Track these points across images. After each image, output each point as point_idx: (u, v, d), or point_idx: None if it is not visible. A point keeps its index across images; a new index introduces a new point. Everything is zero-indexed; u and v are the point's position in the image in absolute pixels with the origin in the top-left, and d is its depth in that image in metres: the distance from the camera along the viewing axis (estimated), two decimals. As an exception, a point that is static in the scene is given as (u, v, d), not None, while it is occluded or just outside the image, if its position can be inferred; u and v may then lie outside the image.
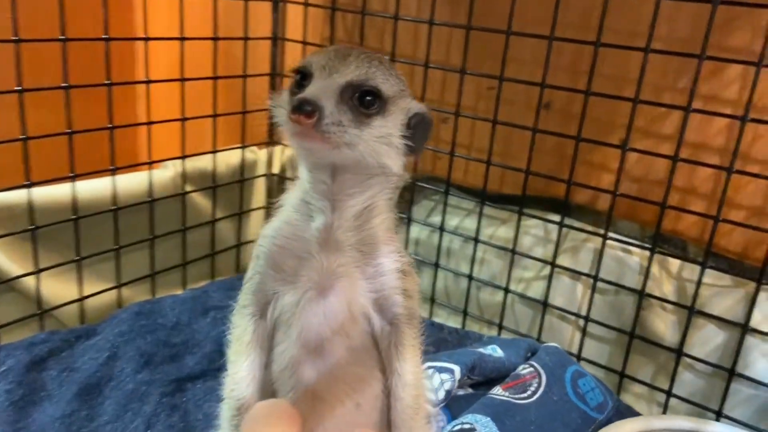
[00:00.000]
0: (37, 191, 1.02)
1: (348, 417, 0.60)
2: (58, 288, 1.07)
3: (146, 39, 1.07)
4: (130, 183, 1.15)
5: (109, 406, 0.82)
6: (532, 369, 0.91)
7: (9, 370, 0.85)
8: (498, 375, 0.93)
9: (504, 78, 1.03)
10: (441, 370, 0.88)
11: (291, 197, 0.63)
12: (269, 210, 1.40)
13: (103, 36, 1.00)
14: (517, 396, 0.87)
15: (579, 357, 1.05)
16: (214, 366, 0.93)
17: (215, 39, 1.17)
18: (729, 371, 0.91)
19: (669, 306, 0.98)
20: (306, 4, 1.24)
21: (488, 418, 0.81)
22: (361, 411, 0.60)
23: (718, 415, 0.93)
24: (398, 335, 0.61)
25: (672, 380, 0.97)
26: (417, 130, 0.60)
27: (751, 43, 0.93)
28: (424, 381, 0.63)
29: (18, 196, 1.00)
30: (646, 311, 1.00)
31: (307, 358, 0.60)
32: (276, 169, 1.40)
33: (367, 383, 0.62)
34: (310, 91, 0.54)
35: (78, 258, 1.07)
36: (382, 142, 0.57)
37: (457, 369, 0.89)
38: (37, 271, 1.02)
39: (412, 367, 0.61)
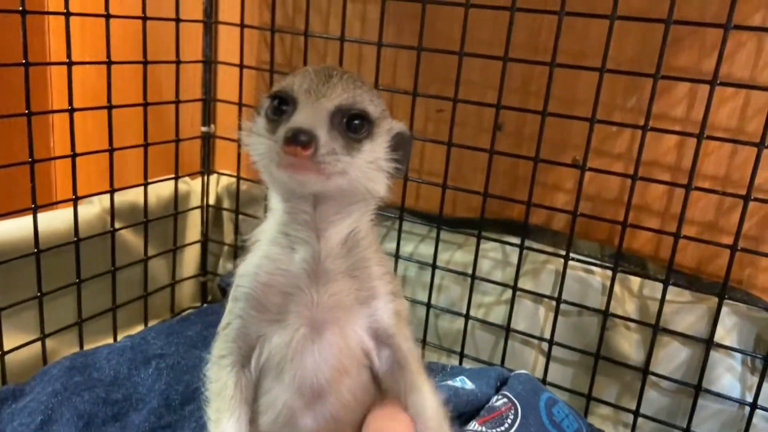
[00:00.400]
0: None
1: None
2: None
3: (69, 63, 0.97)
4: (52, 222, 1.04)
5: (46, 482, 0.71)
6: (506, 400, 0.88)
7: None
8: (472, 409, 0.89)
9: (458, 100, 1.01)
10: (416, 409, 0.83)
11: (267, 230, 0.58)
12: (206, 244, 1.32)
13: (23, 61, 0.90)
14: (494, 430, 0.83)
15: (544, 381, 1.03)
16: (163, 423, 0.84)
17: (145, 63, 1.08)
18: (695, 387, 0.92)
19: (632, 325, 0.98)
20: (242, 26, 1.17)
21: (469, 458, 0.77)
22: None
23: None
24: (405, 373, 0.57)
25: (639, 400, 0.96)
26: (400, 149, 0.56)
27: (698, 62, 0.95)
28: (443, 410, 0.58)
29: None
30: (610, 331, 0.99)
31: (303, 404, 0.55)
32: (212, 200, 1.31)
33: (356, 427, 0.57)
34: (300, 119, 0.49)
35: (-3, 309, 0.95)
36: (372, 167, 0.53)
37: (432, 406, 0.84)
38: (-52, 327, 0.89)
39: (431, 403, 0.57)
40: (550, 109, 0.96)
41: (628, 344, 0.98)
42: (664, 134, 0.97)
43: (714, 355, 0.92)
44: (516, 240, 1.03)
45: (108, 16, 1.01)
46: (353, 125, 0.52)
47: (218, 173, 1.31)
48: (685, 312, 0.95)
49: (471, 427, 0.84)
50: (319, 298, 0.55)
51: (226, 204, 1.31)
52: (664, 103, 0.99)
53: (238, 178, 1.25)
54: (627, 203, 0.93)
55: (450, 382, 0.92)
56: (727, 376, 0.92)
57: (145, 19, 1.06)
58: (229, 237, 1.32)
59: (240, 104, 1.21)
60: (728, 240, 0.88)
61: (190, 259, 1.32)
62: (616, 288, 0.99)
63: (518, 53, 0.97)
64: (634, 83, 0.99)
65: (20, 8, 0.89)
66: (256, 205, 1.26)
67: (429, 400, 0.57)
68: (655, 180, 0.95)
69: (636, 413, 0.96)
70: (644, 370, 0.95)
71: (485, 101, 1.01)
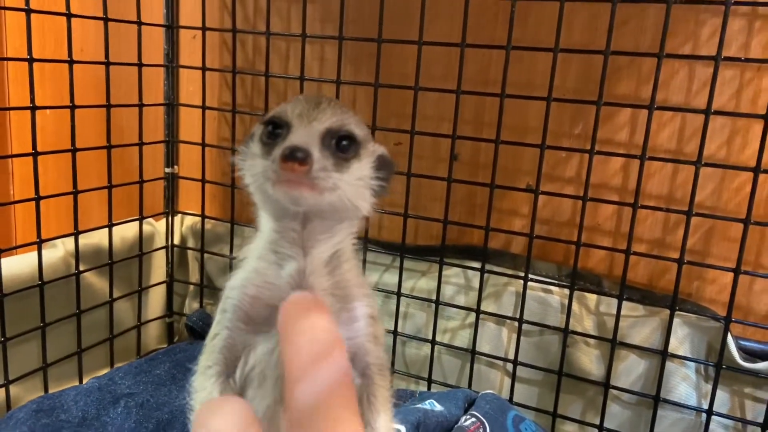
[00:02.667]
0: None
1: None
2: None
3: (33, 108, 0.98)
4: (16, 266, 1.04)
5: None
6: (474, 419, 0.90)
7: None
8: (442, 430, 0.91)
9: (415, 132, 1.05)
10: (387, 431, 0.85)
11: (255, 248, 0.60)
12: (171, 284, 1.32)
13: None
14: (464, 449, 0.85)
15: (511, 401, 1.05)
16: (135, 461, 0.84)
17: (108, 106, 1.10)
18: (654, 398, 0.95)
19: (592, 341, 1.02)
20: (204, 69, 1.20)
21: (440, 477, 0.79)
22: None
23: (650, 442, 0.96)
24: (371, 386, 0.59)
25: (602, 414, 0.99)
26: (382, 171, 0.59)
27: (636, 89, 1.02)
28: None
29: None
30: (571, 348, 1.02)
31: (283, 409, 0.55)
32: (176, 240, 1.32)
33: None
34: (296, 139, 0.52)
35: (3, 339, 0.94)
36: (360, 184, 0.56)
37: (403, 429, 0.86)
38: None
39: (384, 422, 0.58)
40: (503, 137, 1.01)
41: (589, 360, 1.02)
42: (610, 157, 1.03)
43: (669, 365, 0.96)
44: (477, 264, 1.07)
45: (71, 62, 1.03)
46: (342, 146, 0.54)
47: (182, 213, 1.33)
48: (640, 325, 0.99)
49: (442, 448, 0.85)
50: None
51: (190, 243, 1.32)
52: (608, 129, 1.05)
53: (203, 216, 1.26)
54: (579, 224, 0.98)
55: (419, 405, 0.94)
56: (683, 385, 0.96)
57: (108, 64, 1.09)
58: (194, 276, 1.32)
59: (203, 144, 1.23)
60: (675, 255, 0.93)
61: (155, 300, 1.31)
62: (574, 306, 1.03)
63: (470, 86, 1.02)
64: (580, 111, 1.06)
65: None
66: (221, 243, 1.28)
67: (380, 420, 0.58)
68: (604, 200, 1.00)
69: (600, 428, 0.99)
70: (605, 384, 0.99)
71: (441, 132, 1.06)
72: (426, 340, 1.10)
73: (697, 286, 1.03)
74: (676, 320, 0.95)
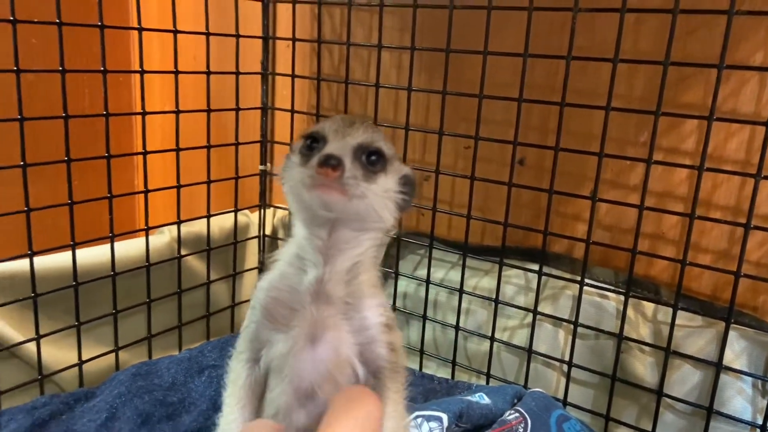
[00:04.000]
0: (39, 260, 1.07)
1: None
2: (57, 353, 1.11)
3: (144, 113, 1.14)
4: (128, 249, 1.20)
5: (108, 466, 0.85)
6: (517, 414, 0.94)
7: (11, 434, 0.88)
8: (486, 422, 0.96)
9: (479, 137, 1.10)
10: (429, 418, 0.91)
11: (286, 252, 0.68)
12: (262, 270, 1.45)
13: (104, 112, 1.07)
14: (503, 441, 0.90)
15: (565, 402, 1.08)
16: (210, 422, 0.96)
17: (208, 111, 1.24)
18: (707, 409, 0.95)
19: (647, 348, 1.03)
20: (293, 76, 1.32)
21: (475, 465, 0.84)
22: None
23: (701, 453, 0.96)
24: (381, 388, 0.65)
25: (654, 421, 1.00)
26: (406, 189, 0.66)
27: (703, 98, 1.01)
28: None
29: (20, 265, 1.05)
30: (625, 354, 1.04)
31: (298, 402, 0.63)
32: (268, 231, 1.45)
33: None
34: (331, 149, 0.60)
35: (77, 323, 1.11)
36: (385, 196, 0.63)
37: (445, 417, 0.92)
38: (38, 338, 1.05)
39: (391, 423, 0.64)
40: (568, 144, 1.03)
41: (643, 366, 1.03)
42: (676, 168, 1.03)
43: (725, 378, 0.95)
44: (536, 266, 1.11)
45: (177, 72, 1.18)
46: (371, 159, 0.62)
47: (274, 207, 1.45)
48: (696, 336, 0.98)
49: (482, 438, 0.91)
50: (318, 316, 0.63)
51: (280, 234, 1.45)
52: (674, 137, 1.04)
53: (290, 211, 1.38)
54: (635, 232, 0.99)
55: (468, 397, 1.00)
56: (738, 398, 0.94)
57: (208, 73, 1.23)
58: (283, 264, 1.45)
59: (291, 145, 1.35)
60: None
61: (248, 284, 1.46)
62: (631, 313, 1.04)
63: (538, 93, 1.06)
64: (645, 120, 1.05)
65: (102, 68, 1.07)
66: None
67: (389, 428, 0.63)
68: (660, 209, 1.01)
69: (652, 435, 1.00)
70: (658, 392, 0.99)
71: (508, 138, 1.10)
72: (485, 337, 1.15)
73: (763, 300, 1.00)
74: (733, 333, 0.94)
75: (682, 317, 0.99)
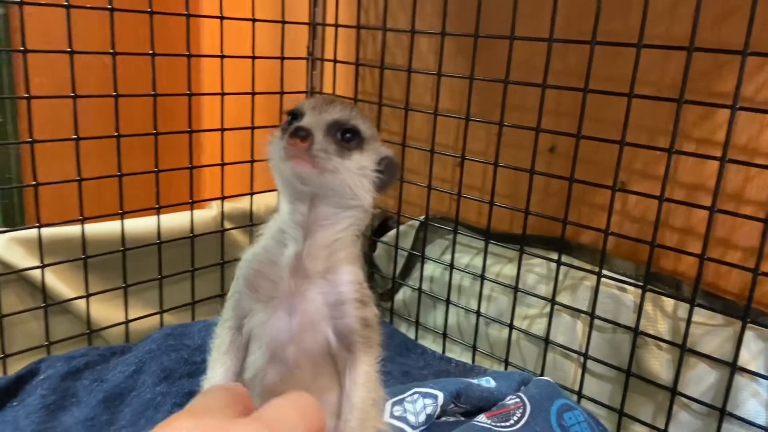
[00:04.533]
0: (94, 226, 1.17)
1: None
2: (106, 311, 1.22)
3: (189, 95, 1.22)
4: (176, 220, 1.30)
5: (127, 413, 0.93)
6: (518, 400, 0.95)
7: (47, 378, 0.98)
8: (486, 404, 0.97)
9: (503, 124, 1.10)
10: (425, 395, 0.94)
11: (270, 227, 0.71)
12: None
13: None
14: (498, 424, 0.90)
15: (580, 394, 1.07)
16: (228, 384, 1.03)
17: (252, 94, 1.31)
18: (720, 410, 0.91)
19: (664, 345, 0.99)
20: (335, 61, 1.36)
21: (463, 442, 0.86)
22: None
23: (712, 456, 0.92)
24: (354, 361, 0.67)
25: (668, 419, 0.97)
26: (386, 170, 0.68)
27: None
28: (373, 407, 0.67)
29: (79, 230, 1.16)
30: (641, 349, 1.01)
31: (273, 368, 0.67)
32: (311, 211, 1.51)
33: (326, 393, 0.68)
34: (303, 122, 0.63)
35: (124, 285, 1.21)
36: (359, 173, 0.65)
37: (440, 395, 0.94)
38: (87, 296, 1.16)
39: (362, 393, 0.66)
40: (599, 133, 1.01)
41: (659, 363, 1.00)
42: (707, 159, 0.98)
43: (740, 379, 0.91)
44: (557, 256, 1.09)
45: (222, 57, 1.25)
46: (346, 137, 0.64)
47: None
48: (713, 334, 0.94)
49: (477, 419, 0.92)
50: (296, 289, 0.66)
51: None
52: (707, 128, 1.00)
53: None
54: (655, 224, 0.96)
55: (472, 380, 1.01)
56: (753, 401, 0.90)
57: (253, 58, 1.30)
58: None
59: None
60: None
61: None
62: (649, 308, 1.01)
63: (571, 80, 1.03)
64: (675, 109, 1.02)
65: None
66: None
67: (359, 398, 0.66)
68: (678, 201, 0.97)
69: (665, 433, 0.97)
70: (672, 390, 0.96)
71: (540, 125, 1.09)
72: (505, 324, 1.15)
73: (792, 302, 0.95)
74: (751, 334, 0.90)
75: (703, 315, 0.95)
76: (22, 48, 1.03)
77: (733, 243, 0.99)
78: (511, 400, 0.95)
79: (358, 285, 0.68)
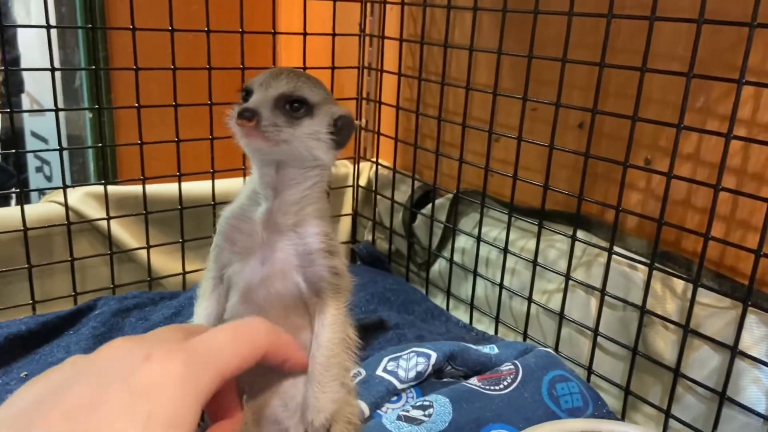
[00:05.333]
0: (160, 186, 1.32)
1: None
2: (165, 262, 1.37)
3: (242, 69, 1.33)
4: (230, 185, 1.42)
5: (160, 347, 1.06)
6: (512, 366, 0.97)
7: (101, 314, 1.13)
8: (482, 368, 1.00)
9: (526, 98, 1.11)
10: (419, 354, 0.98)
11: (246, 188, 0.79)
12: (356, 216, 1.59)
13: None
14: (488, 387, 0.94)
15: (589, 370, 1.07)
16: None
17: (304, 69, 1.40)
18: (719, 394, 0.89)
19: (671, 325, 0.97)
20: (382, 37, 1.42)
21: (447, 399, 0.90)
22: None
23: (711, 440, 0.91)
24: (322, 305, 0.74)
25: (670, 401, 0.95)
26: (343, 129, 0.74)
27: (762, 62, 0.91)
28: (339, 346, 0.74)
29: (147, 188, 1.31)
30: (648, 329, 1.00)
31: (249, 311, 0.75)
32: (363, 182, 1.58)
33: (300, 332, 0.75)
34: (249, 102, 0.71)
35: (182, 240, 1.35)
36: (312, 137, 0.72)
37: (434, 355, 0.98)
38: (148, 247, 1.31)
39: (328, 333, 0.73)
40: (624, 108, 1.00)
41: (664, 343, 0.98)
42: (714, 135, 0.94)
43: (741, 364, 0.88)
44: (580, 233, 1.09)
45: (274, 33, 1.35)
46: (294, 107, 0.71)
47: (371, 161, 1.58)
48: (717, 317, 0.92)
49: (468, 381, 0.96)
50: (268, 242, 0.73)
51: (374, 187, 1.57)
52: (731, 104, 0.95)
53: (377, 164, 1.50)
54: (662, 201, 0.94)
55: (479, 347, 1.04)
56: (753, 388, 0.87)
57: (305, 35, 1.38)
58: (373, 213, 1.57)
59: (378, 102, 1.45)
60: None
61: (344, 228, 1.61)
62: (659, 287, 0.99)
63: (593, 55, 1.03)
64: (702, 84, 0.98)
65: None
66: (391, 189, 1.49)
67: (326, 338, 0.72)
68: (686, 178, 0.94)
69: (667, 413, 0.96)
70: (674, 371, 0.94)
71: (570, 101, 1.09)
72: (524, 298, 1.17)
73: (805, 287, 0.90)
74: (754, 317, 0.87)
75: (711, 297, 0.93)
76: (131, 26, 1.19)
77: (753, 225, 0.95)
78: (505, 367, 0.98)
79: (325, 236, 0.74)
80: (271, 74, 0.73)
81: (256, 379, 0.72)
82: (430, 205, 1.39)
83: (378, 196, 1.52)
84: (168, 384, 0.43)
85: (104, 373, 0.44)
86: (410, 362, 0.98)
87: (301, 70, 0.77)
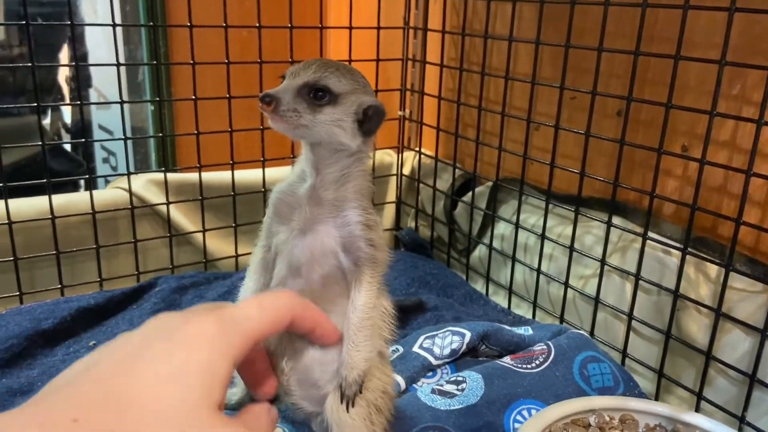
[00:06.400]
0: (215, 174, 1.41)
1: None
2: (219, 245, 1.45)
3: (292, 62, 1.39)
4: (280, 173, 1.49)
5: (213, 322, 1.14)
6: (544, 346, 1.01)
7: (160, 291, 1.22)
8: (515, 348, 1.04)
9: (563, 87, 1.14)
10: (454, 333, 1.03)
11: (295, 168, 0.85)
12: (399, 204, 1.65)
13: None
14: (520, 365, 0.98)
15: (624, 353, 1.09)
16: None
17: (350, 61, 1.45)
18: (749, 377, 0.90)
19: (703, 309, 0.99)
20: (425, 29, 1.46)
21: (479, 375, 0.94)
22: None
23: (741, 421, 0.92)
24: (359, 273, 0.80)
25: (702, 383, 0.97)
26: (372, 117, 0.79)
27: (800, 48, 0.92)
28: (373, 311, 0.79)
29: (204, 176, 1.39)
30: (681, 312, 1.01)
31: (291, 278, 0.81)
32: (406, 171, 1.63)
33: (334, 302, 0.81)
34: (274, 89, 0.77)
35: (234, 225, 1.43)
36: (333, 124, 0.77)
37: (468, 334, 1.03)
38: (203, 231, 1.40)
39: (364, 298, 0.79)
40: (661, 96, 1.02)
41: (697, 327, 1.00)
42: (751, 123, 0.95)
43: (772, 348, 0.89)
44: (617, 220, 1.12)
45: (321, 28, 1.41)
46: (318, 95, 0.76)
47: (414, 150, 1.62)
48: (749, 301, 0.93)
49: (502, 360, 1.00)
50: (311, 214, 0.79)
51: (417, 176, 1.61)
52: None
53: (419, 153, 1.55)
54: (696, 186, 0.96)
55: (511, 327, 1.08)
56: (783, 372, 0.88)
57: (350, 28, 1.44)
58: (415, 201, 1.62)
59: (422, 93, 1.50)
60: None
61: (388, 214, 1.66)
62: (692, 272, 1.01)
63: (643, 44, 1.04)
64: (738, 72, 0.99)
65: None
66: (433, 177, 1.54)
67: (360, 302, 0.78)
68: (716, 164, 0.95)
69: (699, 396, 0.98)
70: (706, 354, 0.96)
71: (608, 89, 1.11)
72: (561, 283, 1.20)
73: None
74: (785, 302, 0.88)
75: (743, 281, 0.94)
76: (189, 24, 1.27)
77: (790, 211, 0.96)
78: (538, 347, 1.01)
79: (363, 211, 0.80)
80: (305, 64, 0.79)
81: (298, 345, 0.78)
82: (470, 193, 1.43)
83: (421, 185, 1.57)
84: (203, 338, 0.50)
85: (149, 333, 0.51)
86: (445, 340, 1.02)
87: (344, 62, 0.82)
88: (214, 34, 1.30)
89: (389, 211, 1.66)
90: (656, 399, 1.05)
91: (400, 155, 1.62)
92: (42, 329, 1.08)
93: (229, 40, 1.31)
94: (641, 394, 0.99)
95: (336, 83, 0.77)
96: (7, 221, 1.17)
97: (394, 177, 1.64)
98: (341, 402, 0.77)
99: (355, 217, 0.80)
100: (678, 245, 1.01)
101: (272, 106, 0.74)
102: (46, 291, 1.25)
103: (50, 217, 1.21)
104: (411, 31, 1.55)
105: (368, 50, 1.49)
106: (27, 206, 1.24)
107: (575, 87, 1.15)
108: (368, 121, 0.79)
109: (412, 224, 1.64)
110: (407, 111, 1.60)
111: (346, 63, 0.82)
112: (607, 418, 0.85)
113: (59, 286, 1.25)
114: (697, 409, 0.99)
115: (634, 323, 1.09)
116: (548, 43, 1.16)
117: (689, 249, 0.98)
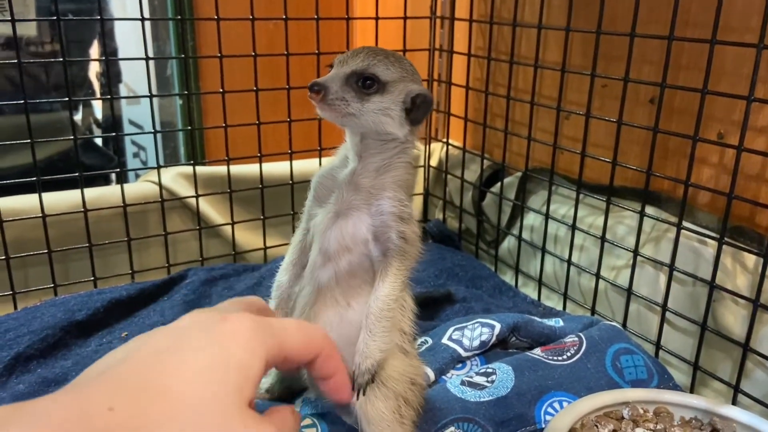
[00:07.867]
0: (242, 167, 1.41)
1: (341, 312, 0.81)
2: (248, 238, 1.46)
3: (318, 54, 1.39)
4: (309, 166, 1.49)
5: (243, 314, 1.15)
6: (575, 338, 0.99)
7: (190, 283, 1.23)
8: (546, 340, 1.03)
9: (594, 75, 1.12)
10: (484, 324, 1.02)
11: (339, 153, 0.86)
12: (427, 197, 1.64)
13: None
14: (551, 357, 0.97)
15: (658, 345, 1.07)
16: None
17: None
18: (789, 371, 0.88)
19: (740, 300, 0.96)
20: (453, 19, 1.44)
21: (509, 367, 0.93)
22: (351, 310, 0.81)
23: (777, 415, 0.90)
24: (387, 264, 0.80)
25: (739, 375, 0.95)
26: (420, 106, 0.79)
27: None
28: (395, 303, 0.78)
29: (230, 169, 1.39)
30: (717, 303, 0.99)
31: (321, 262, 0.81)
32: (434, 163, 1.62)
33: (359, 291, 0.81)
34: (322, 78, 0.77)
35: (263, 217, 1.44)
36: (381, 113, 0.77)
37: (498, 326, 1.02)
38: (232, 223, 1.41)
39: (387, 289, 0.78)
40: (697, 82, 0.99)
41: (734, 318, 0.97)
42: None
43: (813, 341, 0.86)
44: (651, 209, 1.09)
45: (348, 19, 1.40)
46: (366, 83, 0.76)
47: (442, 142, 1.61)
48: (789, 292, 0.90)
49: (532, 351, 0.99)
50: (347, 199, 0.80)
51: (444, 168, 1.60)
52: (808, 75, 0.93)
53: (447, 144, 1.53)
54: (733, 174, 0.93)
55: (541, 319, 1.07)
56: (824, 365, 0.85)
57: (377, 19, 1.43)
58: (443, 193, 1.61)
59: (449, 83, 1.48)
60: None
61: (415, 206, 1.65)
62: (729, 262, 0.98)
63: (656, 28, 1.02)
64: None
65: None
66: (460, 168, 1.52)
67: (383, 292, 0.77)
68: (751, 150, 0.92)
69: (736, 388, 0.95)
70: (744, 346, 0.94)
71: (641, 76, 1.09)
72: (592, 274, 1.18)
73: None
74: (827, 293, 0.85)
75: (783, 272, 0.91)
76: (216, 17, 1.28)
77: (832, 199, 0.93)
78: (569, 338, 1.00)
79: (398, 202, 0.80)
80: (353, 53, 0.79)
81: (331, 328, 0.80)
82: (499, 184, 1.42)
83: (448, 176, 1.56)
84: (239, 336, 0.50)
85: (186, 328, 0.51)
86: (475, 332, 1.01)
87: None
88: (241, 27, 1.30)
89: (416, 203, 1.65)
90: (691, 392, 1.03)
91: (427, 146, 1.61)
92: (76, 320, 1.09)
93: (256, 33, 1.31)
94: (676, 387, 0.97)
95: (384, 71, 0.77)
96: (41, 215, 1.19)
97: (422, 168, 1.63)
98: (353, 389, 0.76)
99: (389, 208, 0.80)
100: (714, 235, 0.99)
101: (321, 94, 0.74)
102: (80, 283, 1.27)
103: (83, 210, 1.23)
104: (438, 21, 1.54)
105: (395, 41, 1.48)
106: (60, 200, 1.26)
107: (607, 74, 1.12)
108: (416, 110, 0.78)
109: (440, 216, 1.63)
110: (435, 102, 1.58)
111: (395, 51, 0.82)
112: (641, 411, 0.83)
113: (92, 278, 1.27)
114: (734, 403, 0.96)
115: (668, 315, 1.06)
116: (579, 29, 1.14)
117: (725, 239, 0.95)
